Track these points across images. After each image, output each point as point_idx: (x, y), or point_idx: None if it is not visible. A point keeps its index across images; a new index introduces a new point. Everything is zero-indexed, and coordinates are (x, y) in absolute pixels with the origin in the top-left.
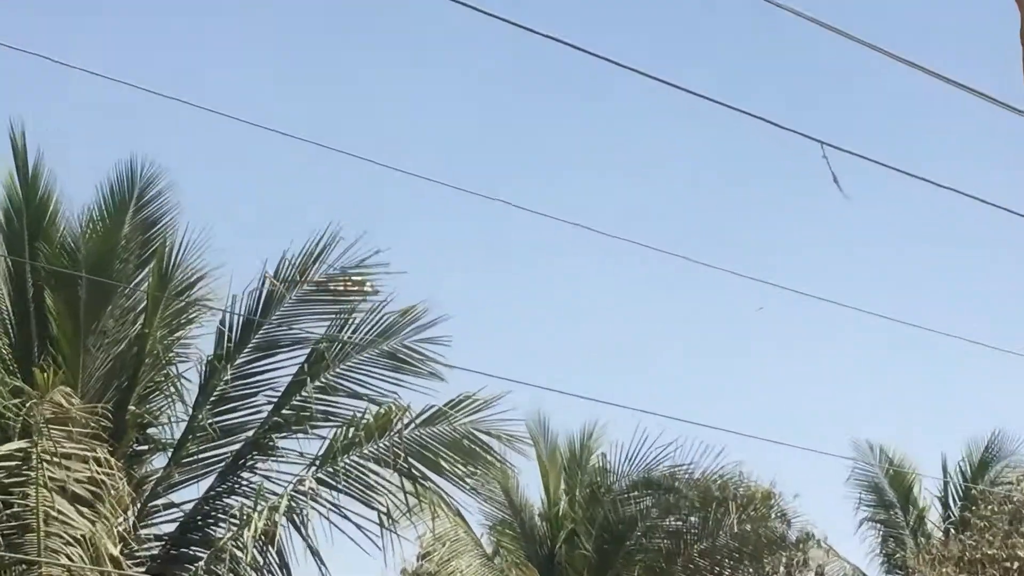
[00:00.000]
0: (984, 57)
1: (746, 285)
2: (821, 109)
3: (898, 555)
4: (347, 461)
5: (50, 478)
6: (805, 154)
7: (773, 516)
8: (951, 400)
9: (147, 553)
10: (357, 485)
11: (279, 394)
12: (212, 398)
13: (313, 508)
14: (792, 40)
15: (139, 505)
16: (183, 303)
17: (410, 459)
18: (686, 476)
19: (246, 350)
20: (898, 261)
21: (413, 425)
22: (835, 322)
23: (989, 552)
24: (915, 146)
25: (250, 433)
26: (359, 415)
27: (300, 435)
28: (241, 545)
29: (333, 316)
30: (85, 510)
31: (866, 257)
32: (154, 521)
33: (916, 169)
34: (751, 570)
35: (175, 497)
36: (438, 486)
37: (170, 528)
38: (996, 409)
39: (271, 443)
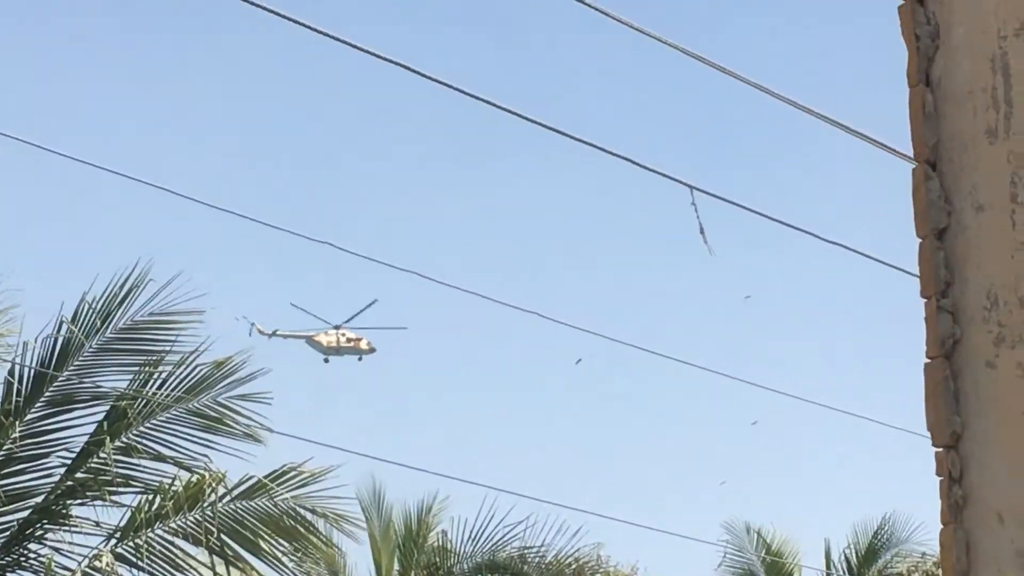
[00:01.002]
0: (872, 100)
1: (613, 350)
2: (693, 151)
3: None
4: (151, 535)
5: None
6: (674, 198)
7: None
8: (840, 481)
9: None
10: (162, 563)
11: (74, 455)
12: None
13: None
14: (675, 79)
15: None
16: None
17: (224, 536)
18: (537, 558)
19: (37, 404)
20: (781, 328)
21: (229, 497)
22: (713, 394)
23: None
24: (798, 194)
25: (40, 499)
26: (167, 482)
27: (97, 502)
28: None
29: (138, 368)
30: None
31: (745, 321)
32: None
33: (800, 217)
34: None
35: None
36: (254, 568)
37: None
38: (888, 492)
39: (64, 510)
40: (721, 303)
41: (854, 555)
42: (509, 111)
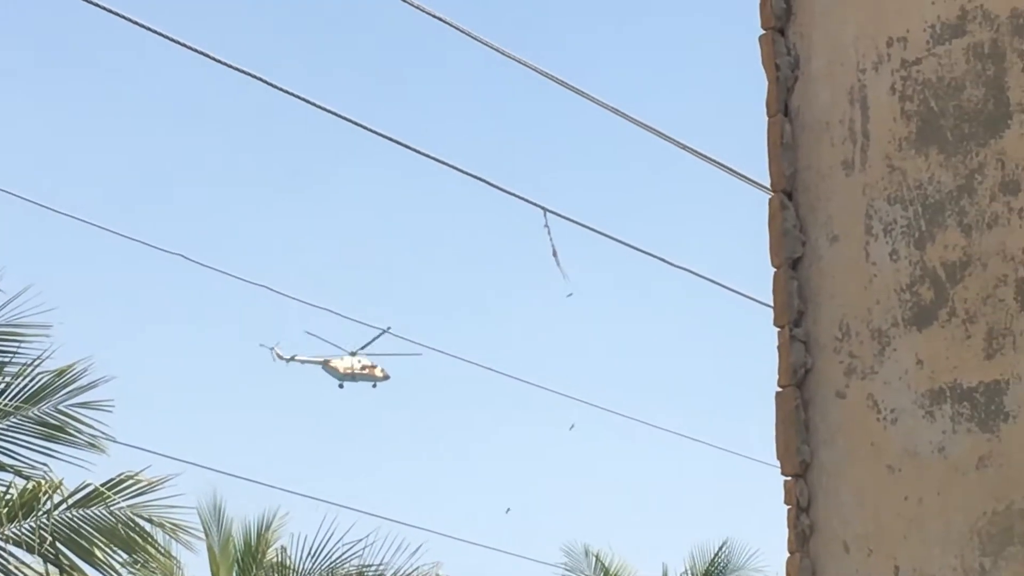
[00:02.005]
0: (731, 129)
1: (466, 371)
2: (547, 173)
3: None
4: None
5: None
6: (526, 220)
7: None
8: (680, 506)
9: None
10: None
11: None
12: None
13: None
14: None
15: None
16: None
17: (58, 544)
18: None
19: None
20: (630, 350)
21: (65, 505)
22: (558, 416)
23: None
24: (653, 220)
25: None
26: (2, 490)
27: None
28: None
29: None
30: None
31: (588, 342)
32: None
33: (654, 243)
34: None
35: None
36: None
37: None
38: (727, 518)
39: None
40: (574, 325)
41: None
42: (360, 125)
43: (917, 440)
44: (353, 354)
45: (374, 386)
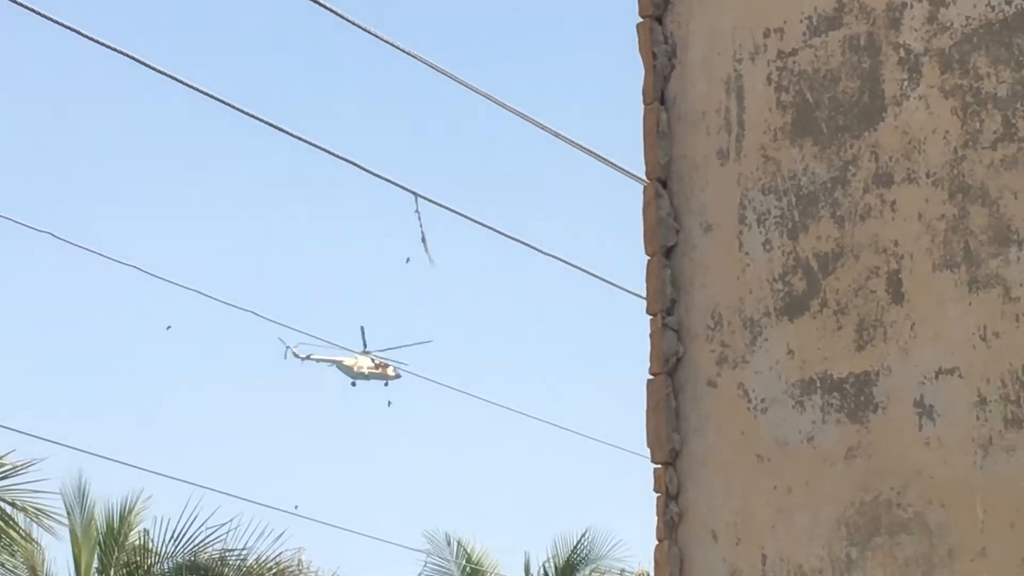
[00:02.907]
0: (606, 118)
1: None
2: (417, 158)
3: None
4: None
5: None
6: (398, 205)
7: None
8: (546, 494)
9: None
10: None
11: None
12: None
13: None
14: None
15: None
16: None
17: None
18: (238, 561)
19: None
20: (494, 334)
21: None
22: (420, 401)
23: None
24: (525, 207)
25: None
26: None
27: None
28: None
29: None
30: None
31: (457, 328)
32: None
33: (526, 231)
34: None
35: None
36: None
37: None
38: (589, 507)
39: None
40: (443, 311)
41: (553, 568)
42: (233, 106)
43: (787, 430)
44: (366, 353)
45: (386, 384)
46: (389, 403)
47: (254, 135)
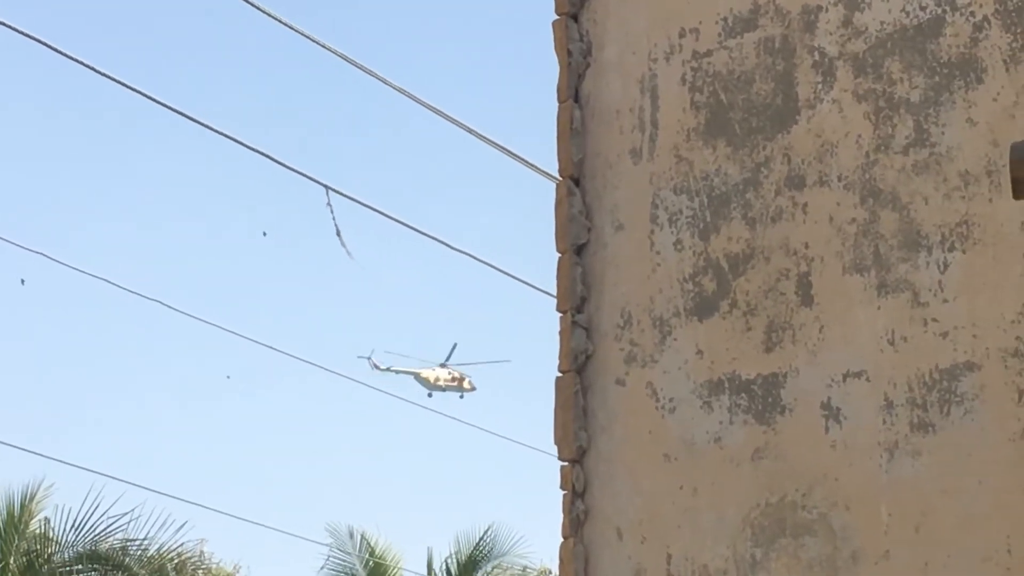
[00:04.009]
0: (519, 116)
1: (229, 343)
2: (330, 151)
3: None
4: None
5: None
6: (310, 198)
7: None
8: (449, 490)
9: None
10: None
11: None
12: None
13: None
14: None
15: None
16: None
17: None
18: (139, 551)
19: None
20: (406, 328)
21: None
22: (330, 392)
23: None
24: (437, 202)
25: None
26: None
27: None
28: None
29: None
30: None
31: (373, 320)
32: None
33: (438, 226)
34: None
35: None
36: None
37: None
38: (495, 503)
39: None
40: (359, 303)
41: (455, 564)
42: (144, 95)
43: (694, 430)
44: (443, 366)
45: (461, 397)
46: (228, 376)
47: (167, 127)
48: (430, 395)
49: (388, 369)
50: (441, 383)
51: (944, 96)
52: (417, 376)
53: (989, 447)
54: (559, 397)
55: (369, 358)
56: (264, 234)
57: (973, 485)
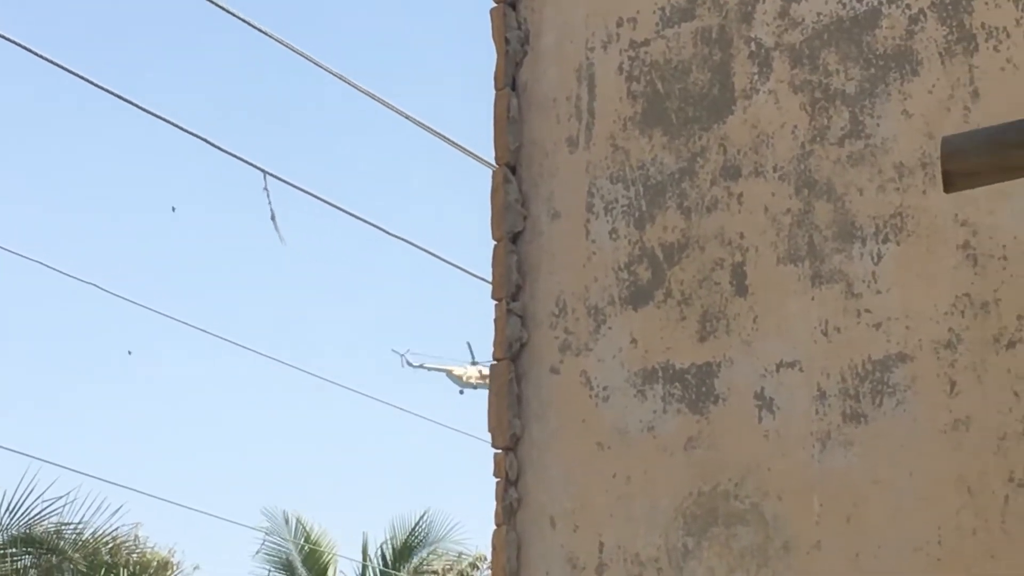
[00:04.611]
0: (457, 103)
1: (171, 328)
2: (266, 136)
3: None
4: None
5: None
6: (246, 183)
7: None
8: (385, 475)
9: None
10: None
11: None
12: None
13: None
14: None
15: None
16: None
17: None
18: (73, 536)
19: None
20: (341, 314)
21: None
22: (264, 378)
23: None
24: (374, 188)
25: None
26: None
27: None
28: None
29: None
30: None
31: (313, 308)
32: None
33: (376, 212)
34: None
35: None
36: None
37: None
38: (431, 489)
39: None
40: (294, 289)
41: (391, 550)
42: (83, 78)
43: (628, 418)
44: (474, 363)
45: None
46: (129, 352)
47: (104, 109)
48: (461, 392)
49: (421, 366)
50: (473, 381)
51: (880, 88)
52: (449, 374)
53: (920, 438)
54: (493, 385)
55: (403, 355)
56: (173, 209)
57: (904, 476)
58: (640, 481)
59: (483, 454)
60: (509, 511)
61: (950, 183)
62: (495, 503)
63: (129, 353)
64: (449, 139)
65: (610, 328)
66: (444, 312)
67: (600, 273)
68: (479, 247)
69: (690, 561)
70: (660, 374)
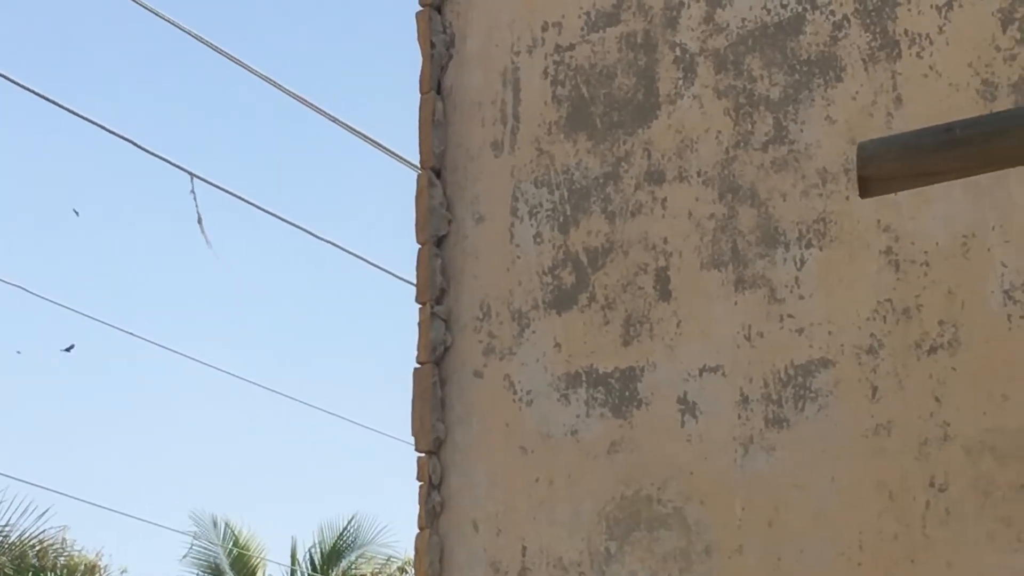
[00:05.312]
0: (385, 106)
1: (101, 333)
2: (192, 137)
3: None
4: None
5: None
6: (174, 186)
7: None
8: (313, 479)
9: None
10: None
11: None
12: None
13: None
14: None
15: None
16: None
17: None
18: (0, 538)
19: None
20: (268, 317)
21: None
22: (189, 380)
23: None
24: (303, 191)
25: None
26: None
27: None
28: None
29: None
30: None
31: (233, 311)
32: None
33: (302, 216)
34: None
35: None
36: None
37: None
38: (355, 493)
39: None
40: (220, 294)
41: (319, 554)
42: (7, 78)
43: (551, 423)
44: None
45: None
46: (70, 347)
47: (29, 109)
48: None
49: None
50: None
51: (803, 94)
52: None
53: (842, 443)
54: (417, 388)
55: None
56: (76, 213)
57: (826, 481)
58: (563, 485)
59: (410, 457)
60: (432, 515)
61: (866, 189)
62: (418, 507)
63: (18, 352)
64: (375, 140)
65: (534, 332)
66: (370, 315)
67: (524, 277)
68: (405, 251)
69: (613, 565)
70: (584, 378)
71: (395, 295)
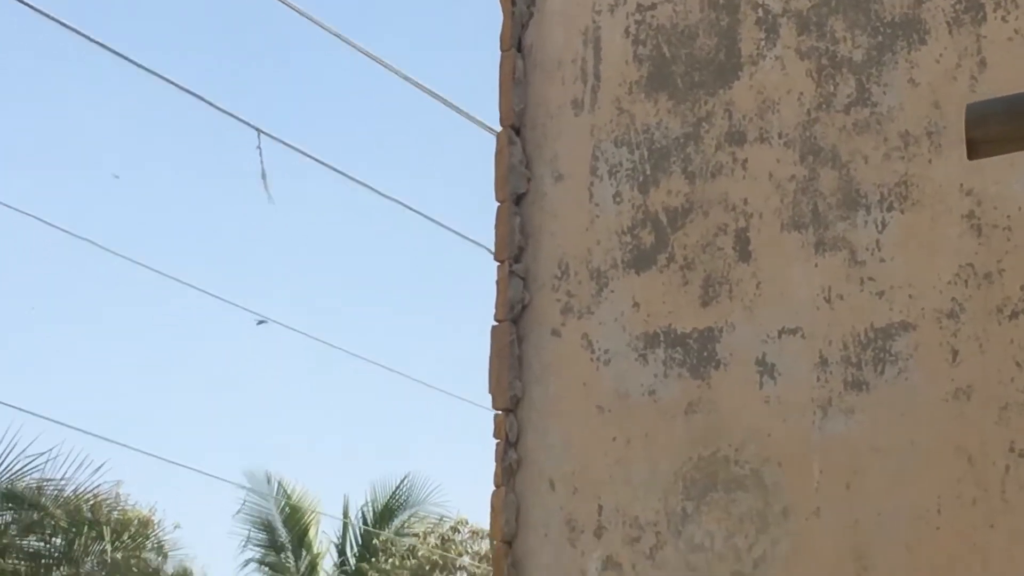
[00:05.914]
0: (458, 66)
1: (161, 284)
2: (260, 94)
3: None
4: None
5: None
6: (240, 142)
7: (149, 546)
8: (366, 437)
9: None
10: None
11: None
12: None
13: None
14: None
15: None
16: None
17: None
18: (55, 492)
19: None
20: (329, 274)
21: None
22: (251, 336)
23: None
24: (371, 150)
25: None
26: None
27: None
28: None
29: None
30: None
31: (306, 270)
32: None
33: (370, 174)
34: None
35: None
36: None
37: None
38: (413, 451)
39: None
40: (281, 250)
41: (372, 513)
42: (69, 27)
43: (628, 382)
44: None
45: None
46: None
47: (101, 65)
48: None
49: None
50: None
51: (887, 56)
52: None
53: (921, 407)
54: (494, 346)
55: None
56: (116, 176)
57: (905, 444)
58: (640, 445)
59: (467, 417)
60: (508, 473)
61: (974, 151)
62: (494, 464)
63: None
64: (448, 101)
65: (612, 292)
66: (439, 273)
67: (603, 236)
68: (476, 212)
69: (689, 525)
70: (662, 338)
71: (458, 254)
